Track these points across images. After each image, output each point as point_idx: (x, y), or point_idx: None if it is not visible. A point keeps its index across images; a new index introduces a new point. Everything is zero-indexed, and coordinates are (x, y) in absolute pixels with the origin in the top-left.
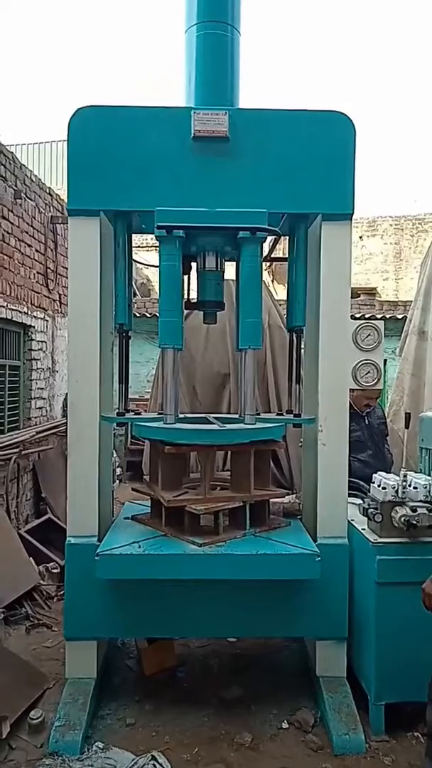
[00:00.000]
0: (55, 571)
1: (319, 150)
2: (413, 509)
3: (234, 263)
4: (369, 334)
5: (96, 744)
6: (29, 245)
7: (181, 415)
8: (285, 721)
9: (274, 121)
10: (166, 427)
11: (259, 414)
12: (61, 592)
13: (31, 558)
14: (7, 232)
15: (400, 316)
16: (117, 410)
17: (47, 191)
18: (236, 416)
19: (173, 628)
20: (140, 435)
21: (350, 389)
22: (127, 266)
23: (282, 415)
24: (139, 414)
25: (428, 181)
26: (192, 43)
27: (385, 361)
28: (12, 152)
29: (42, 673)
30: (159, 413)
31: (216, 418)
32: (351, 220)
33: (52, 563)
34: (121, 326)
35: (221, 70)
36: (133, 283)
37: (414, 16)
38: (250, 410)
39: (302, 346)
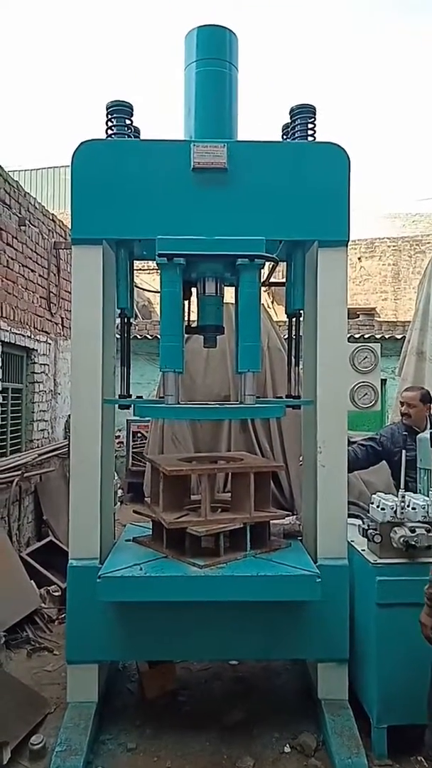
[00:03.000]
0: (56, 594)
1: (314, 179)
2: (412, 530)
3: (233, 287)
4: (366, 357)
5: None
6: (32, 270)
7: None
8: (287, 745)
9: (271, 153)
10: (168, 406)
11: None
12: (63, 616)
13: (32, 581)
14: (12, 258)
15: (399, 336)
16: (119, 394)
17: (50, 217)
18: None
19: (174, 651)
20: (143, 415)
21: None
22: (129, 275)
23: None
24: (141, 397)
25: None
26: (191, 79)
27: (385, 380)
28: (17, 181)
29: (43, 697)
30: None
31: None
32: (347, 246)
33: (53, 586)
34: (123, 311)
35: (220, 104)
36: (135, 305)
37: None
38: (250, 392)
39: (301, 331)
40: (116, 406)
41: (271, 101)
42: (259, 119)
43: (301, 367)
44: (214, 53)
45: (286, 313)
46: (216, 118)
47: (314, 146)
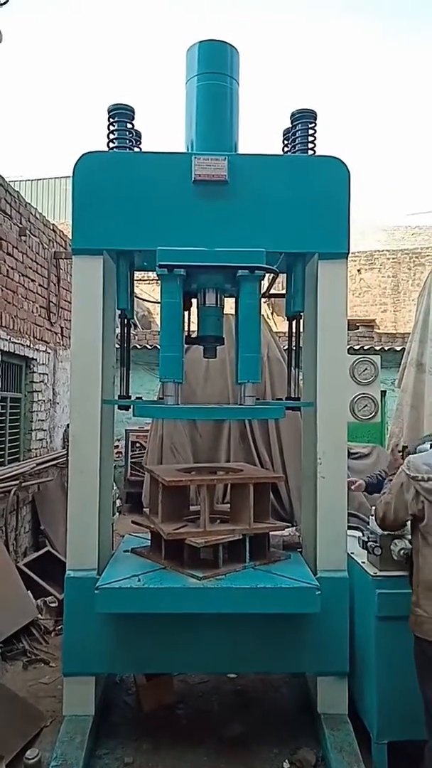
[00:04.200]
0: (53, 605)
1: (315, 192)
2: (412, 542)
3: (233, 298)
4: (366, 368)
5: None
6: (33, 280)
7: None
8: (286, 761)
9: (271, 166)
10: (167, 406)
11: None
12: (59, 627)
13: (29, 591)
14: (12, 268)
15: (398, 348)
16: (119, 394)
17: (51, 228)
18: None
19: (172, 664)
20: (142, 415)
21: None
22: (129, 280)
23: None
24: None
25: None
26: (193, 93)
27: (385, 392)
28: (17, 191)
29: (39, 710)
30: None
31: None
32: (347, 258)
33: (50, 597)
34: (123, 312)
35: (221, 117)
36: (134, 315)
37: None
38: (250, 393)
39: (301, 334)
40: (115, 411)
41: (262, 112)
42: (254, 127)
43: (301, 377)
44: (215, 67)
45: (286, 315)
46: (217, 131)
47: (315, 159)
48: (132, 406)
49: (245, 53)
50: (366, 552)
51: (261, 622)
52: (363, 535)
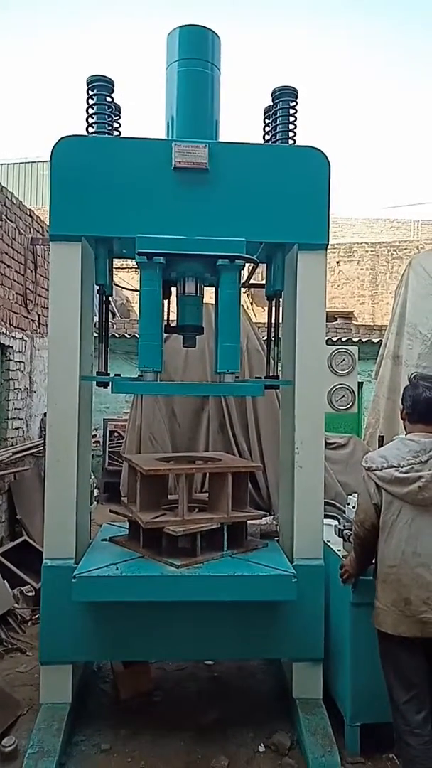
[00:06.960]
0: (30, 594)
1: (295, 183)
2: None
3: (213, 288)
4: (344, 359)
5: None
6: (9, 266)
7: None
8: (262, 745)
9: (252, 155)
10: (146, 382)
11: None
12: (36, 616)
13: (5, 581)
14: None
15: (376, 340)
16: (97, 371)
17: (28, 213)
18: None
19: (150, 651)
20: (121, 391)
21: None
22: (108, 280)
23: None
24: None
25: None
26: (173, 78)
27: (362, 383)
28: None
29: (15, 698)
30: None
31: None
32: (326, 249)
33: (27, 586)
34: (102, 287)
35: (201, 104)
36: (113, 304)
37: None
38: (229, 380)
39: (281, 322)
40: (93, 398)
41: (242, 99)
42: (232, 115)
43: (280, 367)
44: (196, 53)
45: (266, 294)
46: (197, 118)
47: (296, 150)
48: (110, 383)
49: (228, 40)
50: (342, 540)
51: (238, 610)
52: (339, 523)
